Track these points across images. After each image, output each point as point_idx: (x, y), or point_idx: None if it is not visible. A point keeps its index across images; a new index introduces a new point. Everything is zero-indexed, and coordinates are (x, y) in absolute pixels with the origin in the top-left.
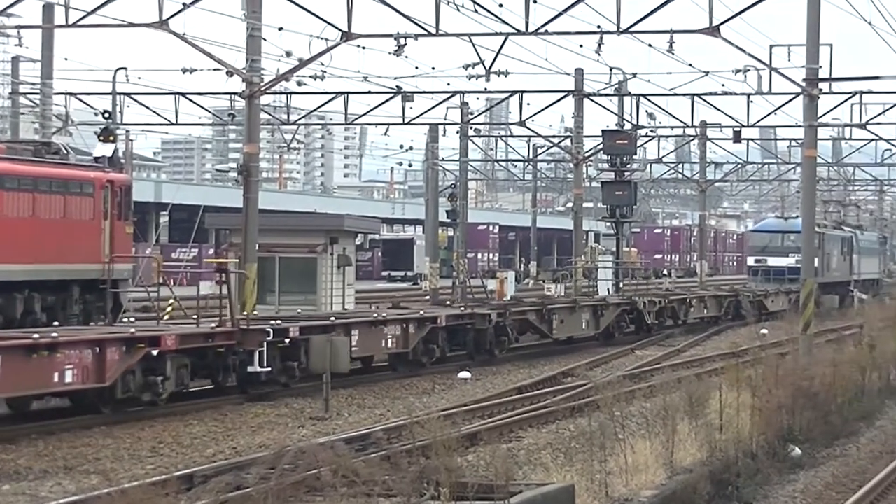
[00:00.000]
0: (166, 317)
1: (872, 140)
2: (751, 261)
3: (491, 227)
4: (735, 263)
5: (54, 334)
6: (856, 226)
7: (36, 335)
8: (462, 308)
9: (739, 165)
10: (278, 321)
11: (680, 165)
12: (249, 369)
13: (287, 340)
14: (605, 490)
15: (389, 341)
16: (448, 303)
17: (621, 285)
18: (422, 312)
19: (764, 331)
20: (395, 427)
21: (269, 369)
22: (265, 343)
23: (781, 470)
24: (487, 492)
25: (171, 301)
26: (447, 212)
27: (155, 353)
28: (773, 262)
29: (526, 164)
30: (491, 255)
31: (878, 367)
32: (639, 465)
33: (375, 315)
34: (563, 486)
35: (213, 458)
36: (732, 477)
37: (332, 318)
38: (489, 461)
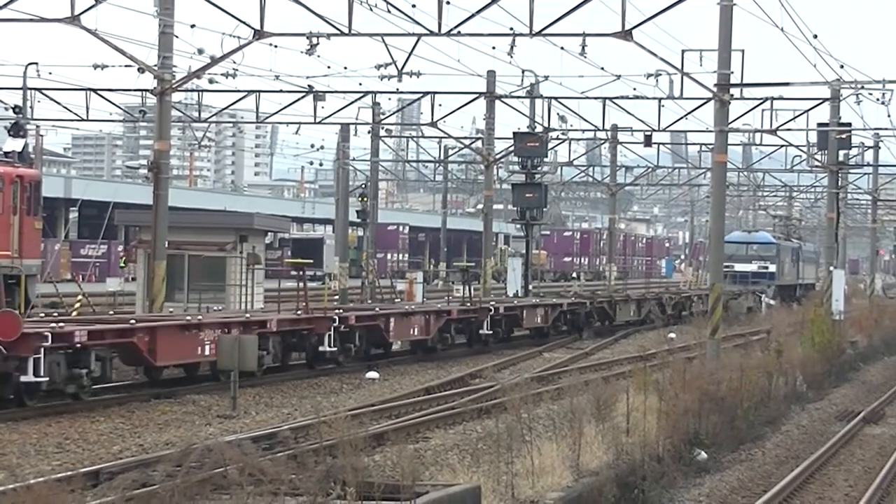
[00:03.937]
0: (74, 313)
1: (782, 146)
2: None
3: (401, 228)
4: (644, 267)
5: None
6: (798, 238)
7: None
8: (573, 297)
9: (650, 169)
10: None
11: (590, 169)
12: (481, 332)
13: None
14: (512, 492)
15: (538, 319)
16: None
17: (530, 287)
18: (554, 300)
19: (672, 335)
20: (303, 426)
21: (491, 332)
22: (490, 315)
23: (687, 473)
24: (394, 492)
25: (80, 297)
26: (357, 212)
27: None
28: (739, 267)
29: (437, 165)
30: (400, 256)
31: (785, 373)
32: (545, 467)
33: (535, 300)
34: (469, 488)
35: (120, 454)
36: (638, 480)
37: (515, 301)
38: (396, 461)
